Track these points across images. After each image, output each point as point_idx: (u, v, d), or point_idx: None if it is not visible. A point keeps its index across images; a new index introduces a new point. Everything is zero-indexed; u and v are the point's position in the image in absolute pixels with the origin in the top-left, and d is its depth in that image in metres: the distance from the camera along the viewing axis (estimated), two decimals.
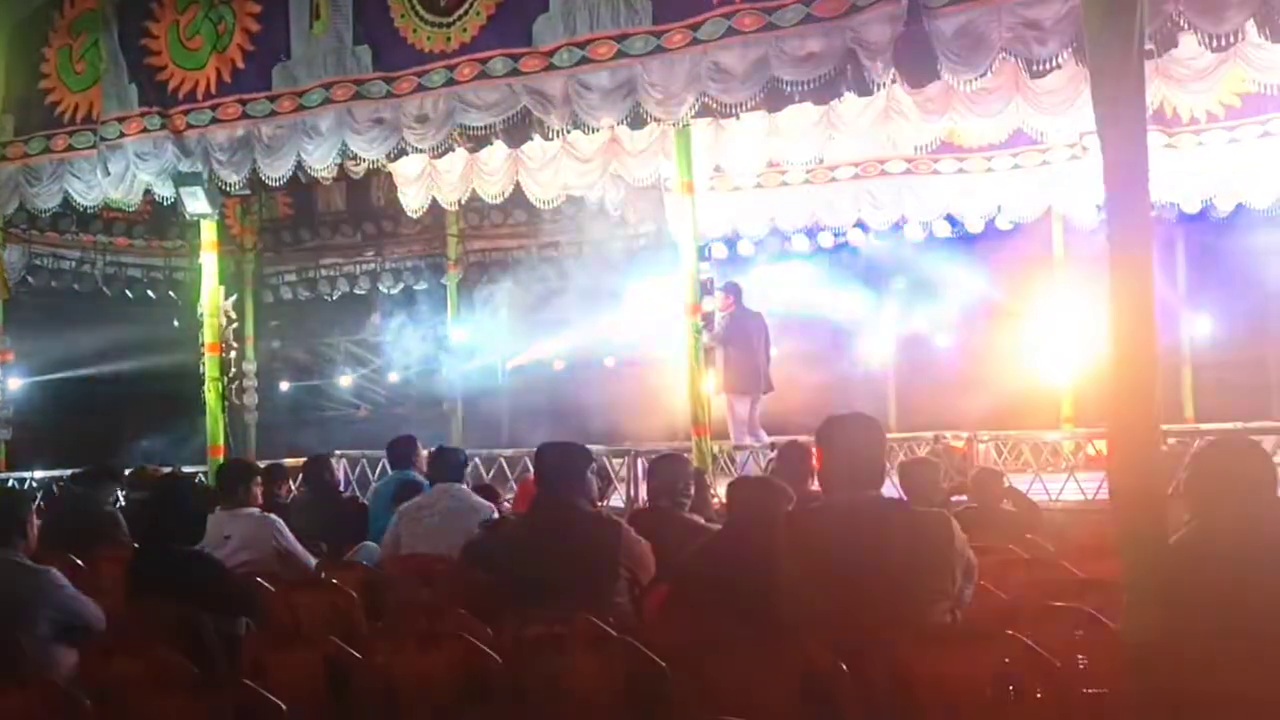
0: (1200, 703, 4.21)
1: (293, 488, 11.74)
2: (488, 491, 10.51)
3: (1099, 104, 5.54)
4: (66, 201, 13.48)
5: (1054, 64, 9.45)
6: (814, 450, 6.33)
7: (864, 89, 10.27)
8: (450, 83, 11.06)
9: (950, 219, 17.23)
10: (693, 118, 11.05)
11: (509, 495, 11.77)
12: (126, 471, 12.40)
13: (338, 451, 14.47)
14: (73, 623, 6.14)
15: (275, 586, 7.21)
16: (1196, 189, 15.42)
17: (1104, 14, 5.54)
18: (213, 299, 13.78)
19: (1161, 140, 13.92)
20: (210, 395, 13.60)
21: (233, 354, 14.46)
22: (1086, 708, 4.76)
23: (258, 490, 8.78)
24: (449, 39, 11.06)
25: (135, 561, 7.22)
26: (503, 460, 14.09)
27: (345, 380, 23.01)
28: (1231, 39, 9.37)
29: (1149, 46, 7.66)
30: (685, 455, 9.18)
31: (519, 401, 21.00)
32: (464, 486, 8.96)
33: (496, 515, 8.79)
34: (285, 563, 8.20)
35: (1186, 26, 9.09)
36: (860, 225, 17.62)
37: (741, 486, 6.58)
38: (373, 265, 21.42)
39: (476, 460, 14.35)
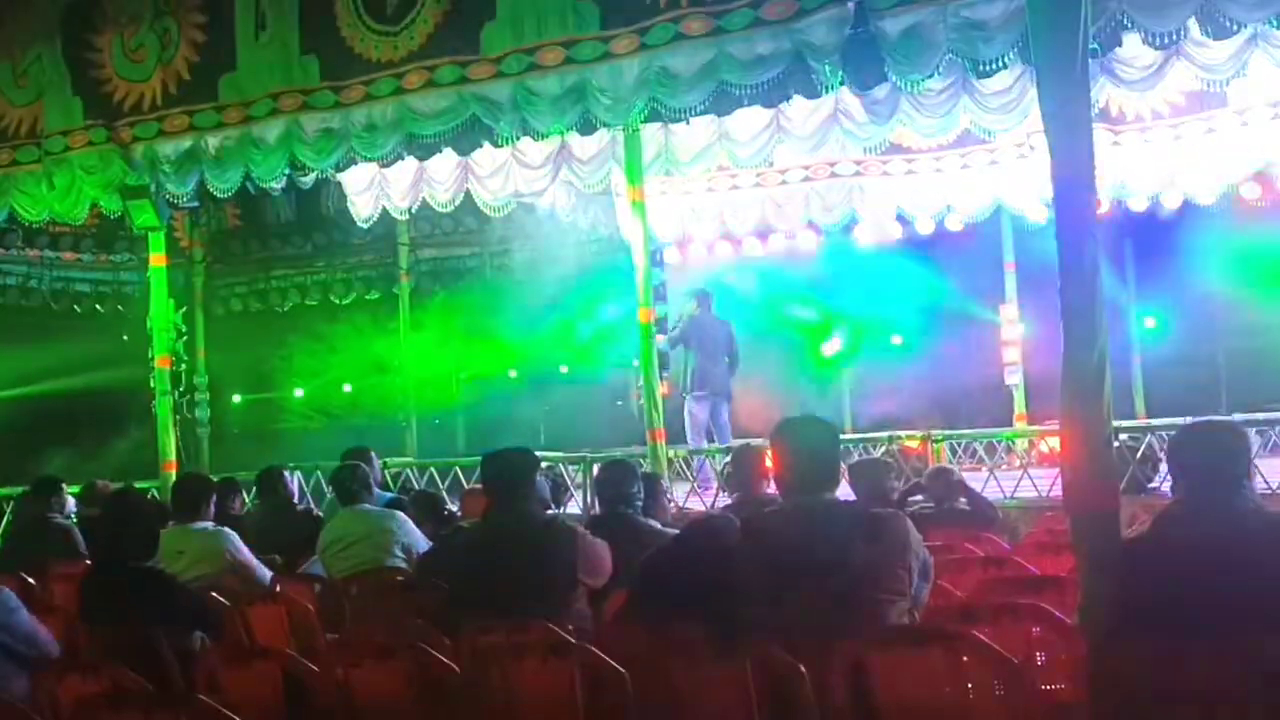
0: (1158, 697, 4.23)
1: (246, 501, 11.68)
2: (430, 499, 10.47)
3: (1045, 103, 5.59)
4: (12, 216, 13.36)
5: (1000, 64, 9.49)
6: (768, 454, 6.33)
7: (812, 91, 10.30)
8: (398, 91, 11.00)
9: (900, 220, 17.31)
10: (642, 122, 11.06)
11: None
12: (77, 488, 12.29)
13: (291, 464, 14.39)
14: (23, 648, 6.08)
15: (230, 601, 7.16)
16: (1143, 186, 15.55)
17: (1049, 14, 5.58)
18: (162, 312, 13.66)
19: (1108, 138, 14.04)
20: (161, 409, 13.49)
21: (183, 367, 14.33)
22: (1045, 704, 4.78)
23: (211, 505, 8.72)
24: (396, 47, 11.00)
25: (89, 579, 7.17)
26: (458, 470, 14.07)
27: (298, 392, 22.89)
28: (1174, 37, 9.45)
29: (1093, 45, 7.71)
30: (633, 460, 9.18)
31: (474, 410, 20.96)
32: (365, 505, 8.87)
33: (402, 515, 8.75)
34: (240, 577, 8.14)
35: (1130, 25, 9.15)
36: (811, 227, 17.68)
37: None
38: (324, 275, 21.30)
39: (432, 470, 14.33)
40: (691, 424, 14.93)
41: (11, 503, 13.36)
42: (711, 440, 14.69)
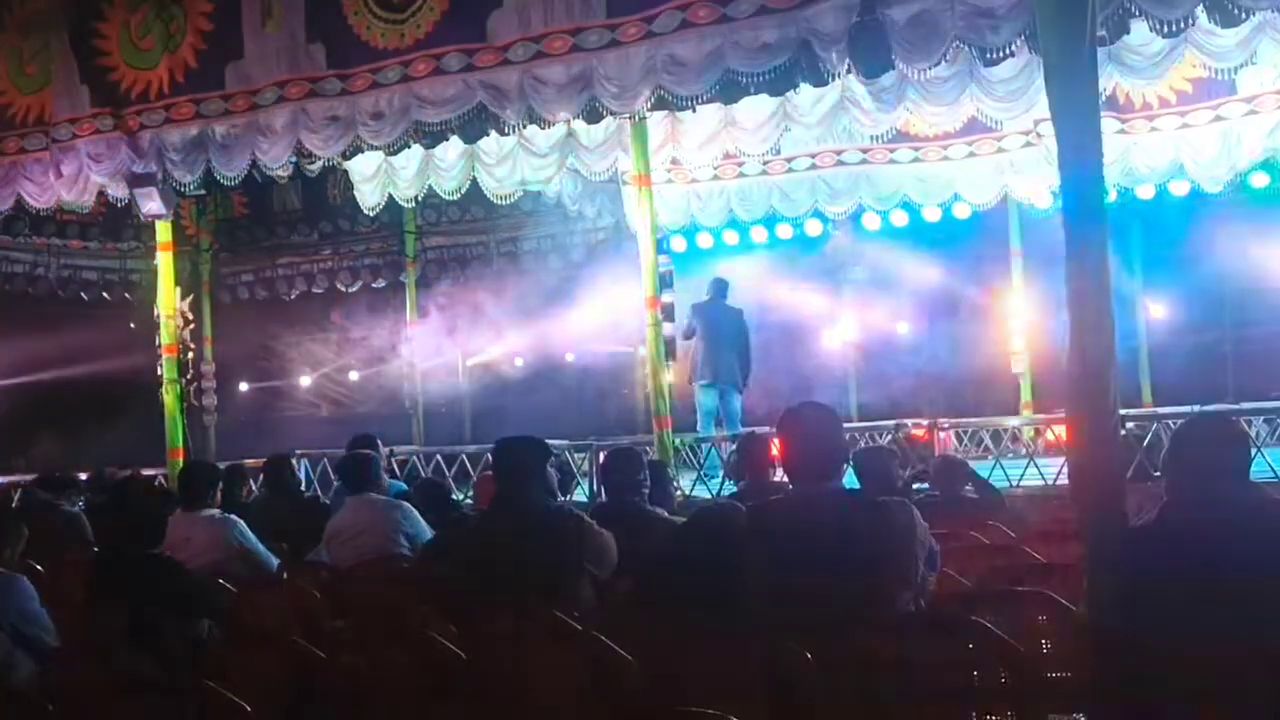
0: (1162, 685, 4.23)
1: (253, 488, 11.70)
2: (436, 487, 10.47)
3: (1052, 91, 5.58)
4: (19, 204, 13.38)
5: (1007, 52, 9.50)
6: (774, 442, 6.32)
7: (819, 79, 10.30)
8: (405, 79, 11.02)
9: (907, 208, 17.29)
10: (649, 110, 11.07)
11: (470, 492, 11.76)
12: (85, 475, 12.32)
13: (298, 451, 14.40)
14: (31, 635, 6.12)
15: (237, 588, 7.17)
16: (1150, 174, 15.51)
17: (1057, 1, 5.57)
18: (169, 300, 13.69)
19: (1115, 126, 14.02)
20: (169, 397, 13.52)
21: (190, 355, 14.34)
22: (1050, 692, 4.78)
23: (218, 492, 8.72)
24: (403, 35, 11.02)
25: (95, 565, 7.18)
26: (464, 457, 14.07)
27: (305, 380, 22.91)
28: (1182, 25, 9.44)
29: (1101, 33, 7.70)
30: (638, 448, 9.18)
31: (480, 398, 20.95)
32: (372, 494, 8.83)
33: (408, 505, 8.72)
34: (247, 564, 8.16)
35: (1138, 13, 9.15)
36: (817, 215, 17.67)
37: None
38: (330, 264, 21.33)
39: (439, 458, 14.33)
40: (701, 412, 14.92)
41: (20, 490, 13.39)
42: (721, 428, 14.66)
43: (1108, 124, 12.24)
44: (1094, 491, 5.25)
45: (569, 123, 12.04)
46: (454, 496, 11.18)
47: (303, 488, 13.14)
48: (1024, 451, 13.16)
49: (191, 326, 14.97)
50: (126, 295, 20.66)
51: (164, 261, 13.70)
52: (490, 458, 7.54)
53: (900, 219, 17.68)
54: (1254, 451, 6.11)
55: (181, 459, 13.13)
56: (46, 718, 4.64)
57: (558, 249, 19.63)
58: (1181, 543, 4.54)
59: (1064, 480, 8.32)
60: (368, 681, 5.25)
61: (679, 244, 18.36)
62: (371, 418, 19.87)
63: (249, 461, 12.43)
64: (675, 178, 16.91)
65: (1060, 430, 11.93)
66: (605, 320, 17.87)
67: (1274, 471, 10.38)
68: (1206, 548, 4.46)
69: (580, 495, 12.37)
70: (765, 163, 16.57)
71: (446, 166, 14.28)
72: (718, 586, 5.20)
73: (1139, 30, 9.91)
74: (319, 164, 12.33)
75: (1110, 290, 5.34)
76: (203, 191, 14.13)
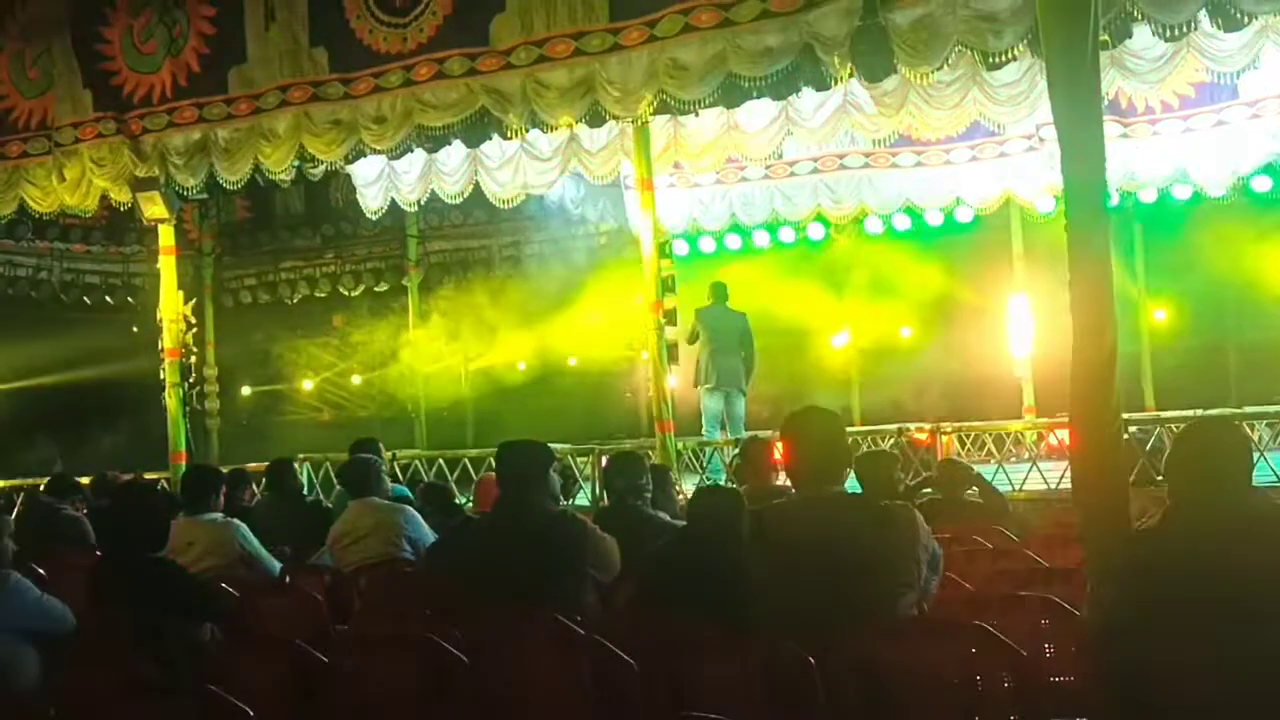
0: (1165, 689, 4.23)
1: (256, 492, 11.69)
2: (439, 491, 10.46)
3: (1055, 95, 5.57)
4: (22, 208, 13.39)
5: (1010, 56, 9.50)
6: (777, 445, 6.31)
7: (821, 83, 10.31)
8: (408, 83, 11.04)
9: (909, 212, 17.29)
10: (651, 114, 11.07)
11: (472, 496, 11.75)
12: (87, 480, 12.31)
13: (300, 455, 14.40)
14: (40, 626, 6.10)
15: (240, 592, 7.17)
16: (1153, 178, 15.50)
17: (1059, 5, 5.57)
18: (171, 304, 13.69)
19: (1117, 130, 14.01)
20: (171, 401, 13.52)
21: (193, 359, 14.34)
22: (1053, 696, 4.78)
23: (221, 496, 8.72)
24: (405, 39, 11.04)
25: (98, 569, 7.17)
26: (467, 461, 14.07)
27: (307, 383, 22.91)
28: (1185, 29, 9.44)
29: (1103, 37, 7.70)
30: (640, 452, 9.17)
31: (482, 402, 20.96)
32: (375, 498, 8.79)
33: (410, 509, 8.71)
34: (249, 568, 8.15)
35: (1140, 17, 9.15)
36: (820, 219, 17.68)
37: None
38: (332, 267, 21.32)
39: (441, 462, 14.33)
40: (705, 416, 14.91)
41: (22, 493, 13.40)
42: (725, 432, 14.64)
43: (1110, 128, 12.28)
44: (1097, 496, 5.24)
45: (571, 126, 12.04)
46: (456, 500, 11.16)
47: (305, 492, 13.14)
48: (1026, 456, 13.15)
49: (194, 330, 14.97)
50: (129, 299, 20.66)
51: (166, 265, 13.70)
52: (493, 462, 7.53)
53: (902, 223, 17.69)
54: (1256, 455, 6.09)
55: (184, 463, 13.14)
56: None
57: (560, 253, 19.60)
58: (1184, 547, 4.54)
59: (1067, 484, 8.32)
60: (370, 685, 5.25)
61: (681, 248, 18.35)
62: (373, 421, 19.88)
63: (251, 465, 12.43)
64: (678, 181, 16.92)
65: (1063, 434, 11.93)
66: (608, 324, 17.88)
67: (1276, 475, 10.37)
68: (1209, 552, 4.45)
69: (583, 499, 12.37)
70: (767, 167, 16.58)
71: (449, 170, 14.29)
72: (720, 591, 5.20)
73: (1141, 34, 9.91)
74: (321, 168, 12.36)
75: (1113, 294, 5.34)
76: (205, 195, 14.13)
